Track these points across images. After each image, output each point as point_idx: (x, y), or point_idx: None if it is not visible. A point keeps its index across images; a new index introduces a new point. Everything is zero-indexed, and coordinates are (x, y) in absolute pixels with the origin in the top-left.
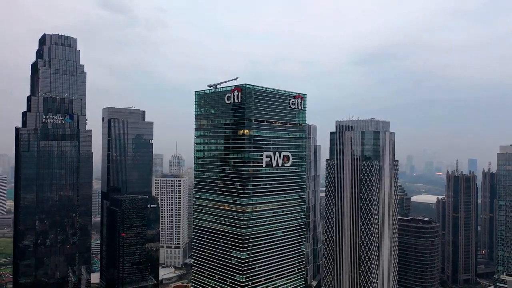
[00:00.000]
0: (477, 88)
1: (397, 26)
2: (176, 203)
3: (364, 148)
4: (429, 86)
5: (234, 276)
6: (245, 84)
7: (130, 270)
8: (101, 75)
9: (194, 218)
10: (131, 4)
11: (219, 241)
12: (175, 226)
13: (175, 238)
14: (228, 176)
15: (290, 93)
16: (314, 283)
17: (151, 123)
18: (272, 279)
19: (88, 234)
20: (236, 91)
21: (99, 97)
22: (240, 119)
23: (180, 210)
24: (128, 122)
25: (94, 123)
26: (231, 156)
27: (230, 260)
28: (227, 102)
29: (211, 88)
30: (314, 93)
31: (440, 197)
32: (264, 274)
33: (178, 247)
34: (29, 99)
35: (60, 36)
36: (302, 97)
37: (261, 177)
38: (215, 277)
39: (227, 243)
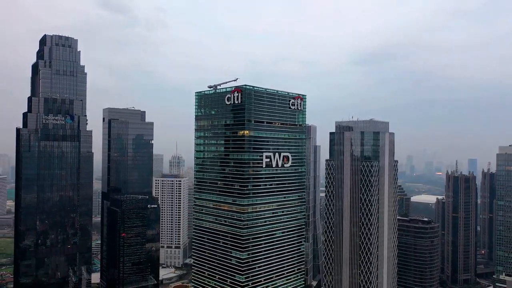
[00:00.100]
0: (477, 88)
1: (397, 26)
2: (176, 203)
3: (363, 149)
4: (429, 86)
5: (234, 276)
6: (245, 85)
7: (130, 270)
8: (101, 75)
9: (194, 218)
10: (131, 4)
11: (219, 241)
12: (175, 226)
13: (175, 238)
14: (228, 176)
15: (290, 94)
16: (314, 283)
17: (151, 124)
18: (272, 279)
19: (89, 234)
20: (236, 92)
21: (99, 97)
22: (240, 120)
23: (180, 210)
24: (129, 123)
25: (94, 123)
26: (231, 156)
27: (230, 260)
28: (227, 103)
29: (211, 89)
30: (314, 93)
31: (439, 197)
32: (264, 274)
33: (178, 247)
34: (29, 99)
35: (60, 37)
36: (302, 98)
37: (261, 178)
38: (215, 277)
39: (227, 243)
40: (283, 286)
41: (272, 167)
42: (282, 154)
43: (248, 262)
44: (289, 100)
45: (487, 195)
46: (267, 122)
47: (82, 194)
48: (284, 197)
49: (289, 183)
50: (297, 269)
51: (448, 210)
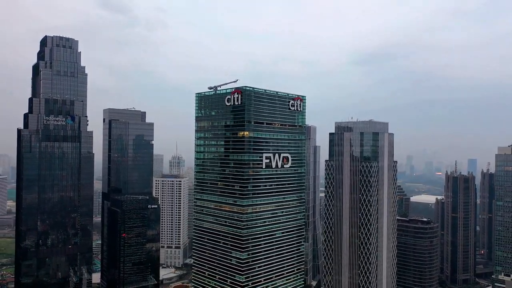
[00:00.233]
0: (477, 88)
1: (397, 26)
2: (176, 203)
3: (363, 149)
4: (429, 86)
5: (234, 276)
6: (245, 86)
7: (130, 270)
8: (101, 75)
9: (195, 218)
10: (131, 4)
11: (219, 242)
12: (176, 226)
13: (176, 238)
14: (228, 177)
15: (289, 95)
16: (314, 283)
17: (152, 124)
18: (272, 279)
19: (90, 234)
20: (236, 93)
21: (99, 97)
22: (240, 121)
23: (180, 210)
24: (129, 123)
25: (94, 123)
26: (231, 157)
27: (230, 260)
28: (227, 104)
29: (212, 90)
30: (314, 93)
31: (439, 197)
32: (264, 274)
33: (179, 247)
34: (30, 100)
35: (61, 38)
36: (302, 99)
37: (261, 178)
38: (215, 277)
39: (227, 244)
40: (283, 286)
41: (272, 167)
42: (282, 155)
43: (248, 262)
44: (289, 101)
45: (487, 195)
46: (267, 123)
47: (83, 194)
48: (284, 198)
49: (289, 184)
50: (297, 269)
51: (447, 210)
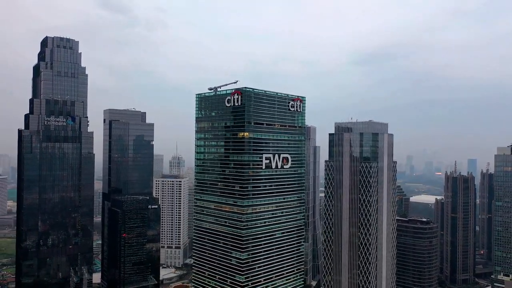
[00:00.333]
0: (477, 88)
1: (397, 26)
2: (176, 203)
3: (362, 150)
4: (429, 86)
5: (234, 276)
6: (245, 87)
7: (131, 270)
8: (101, 75)
9: (195, 219)
10: (131, 4)
11: (219, 242)
12: (176, 227)
13: (176, 239)
14: (228, 177)
15: (289, 96)
16: (314, 283)
17: (152, 125)
18: (272, 279)
19: (90, 234)
20: (236, 94)
21: (99, 97)
22: (240, 121)
23: (180, 210)
24: (129, 124)
25: (95, 124)
26: (231, 158)
27: (230, 260)
28: (227, 105)
29: (212, 91)
30: (314, 93)
31: (438, 197)
32: (264, 275)
33: (179, 247)
34: (31, 101)
35: (61, 39)
36: (301, 100)
37: (261, 179)
38: (215, 277)
39: (227, 244)
40: (282, 286)
41: (271, 168)
42: (282, 155)
43: (248, 262)
44: (289, 102)
45: (486, 196)
46: (266, 124)
47: (83, 194)
48: (284, 198)
49: (289, 184)
50: (297, 269)
51: (447, 211)
